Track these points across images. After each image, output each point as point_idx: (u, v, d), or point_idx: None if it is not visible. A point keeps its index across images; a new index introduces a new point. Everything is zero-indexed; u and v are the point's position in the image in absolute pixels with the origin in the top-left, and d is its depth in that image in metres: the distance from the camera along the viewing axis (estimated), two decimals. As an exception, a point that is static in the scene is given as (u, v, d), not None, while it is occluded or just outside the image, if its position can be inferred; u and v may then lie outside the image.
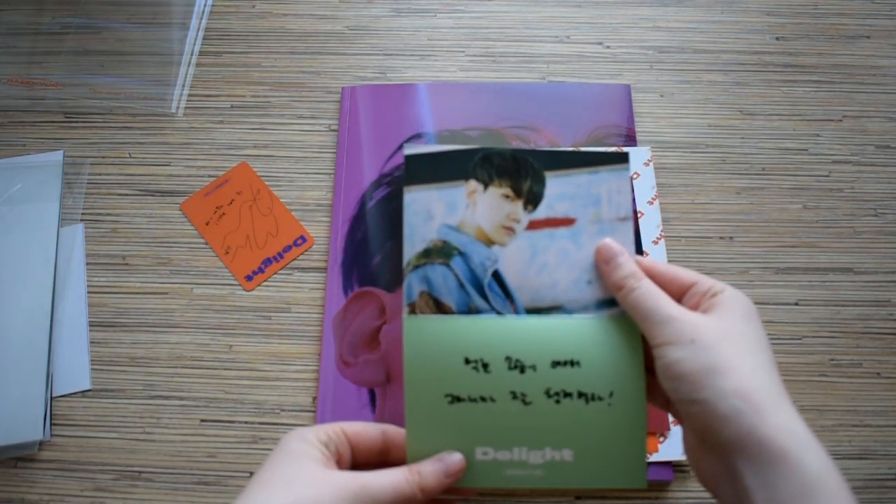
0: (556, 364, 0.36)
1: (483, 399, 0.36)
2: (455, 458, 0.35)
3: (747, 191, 0.60)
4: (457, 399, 0.36)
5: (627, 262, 0.37)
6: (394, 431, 0.37)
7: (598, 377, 0.36)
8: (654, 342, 0.35)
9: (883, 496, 0.50)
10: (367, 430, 0.36)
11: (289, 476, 0.33)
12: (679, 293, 0.37)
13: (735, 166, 0.61)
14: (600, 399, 0.36)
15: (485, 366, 0.36)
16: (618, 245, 0.37)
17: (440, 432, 0.36)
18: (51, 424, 0.52)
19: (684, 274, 0.37)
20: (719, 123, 0.63)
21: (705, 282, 0.36)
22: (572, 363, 0.36)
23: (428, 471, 0.35)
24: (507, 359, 0.36)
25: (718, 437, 0.32)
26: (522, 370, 0.36)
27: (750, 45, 0.67)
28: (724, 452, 0.32)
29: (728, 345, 0.33)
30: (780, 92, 0.64)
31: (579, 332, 0.37)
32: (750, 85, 0.65)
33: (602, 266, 0.37)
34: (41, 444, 0.52)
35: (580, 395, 0.36)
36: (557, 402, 0.36)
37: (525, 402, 0.36)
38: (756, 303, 0.56)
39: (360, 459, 0.36)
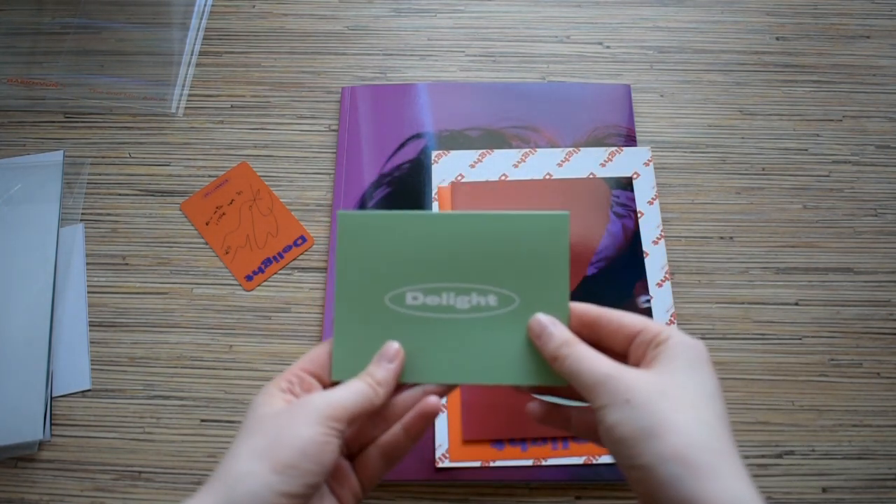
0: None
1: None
2: (390, 346, 0.37)
3: (747, 191, 0.60)
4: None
5: (558, 333, 0.36)
6: None
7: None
8: (594, 405, 0.33)
9: (883, 496, 0.50)
10: (320, 355, 0.37)
11: (262, 434, 0.33)
12: (625, 342, 0.36)
13: (735, 166, 0.61)
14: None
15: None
16: (546, 318, 0.37)
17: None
18: (51, 424, 0.52)
19: (630, 321, 0.36)
20: (719, 123, 0.63)
21: (650, 329, 0.35)
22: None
23: (373, 367, 0.37)
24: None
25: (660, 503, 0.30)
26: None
27: (750, 45, 0.67)
28: None
29: (665, 401, 0.31)
30: (780, 92, 0.64)
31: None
32: (750, 85, 0.65)
33: (535, 342, 0.37)
34: (41, 444, 0.52)
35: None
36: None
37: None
38: (756, 303, 0.56)
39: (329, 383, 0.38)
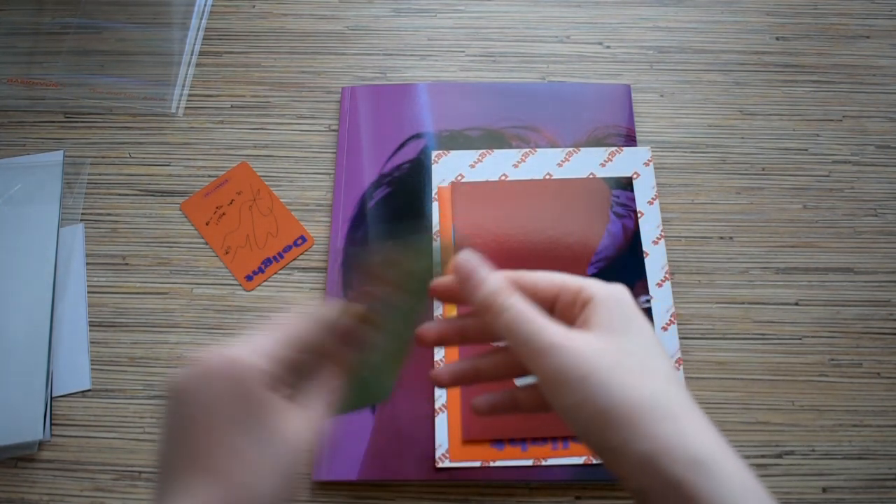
0: None
1: None
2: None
3: (747, 191, 0.60)
4: None
5: (491, 277, 0.32)
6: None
7: None
8: (541, 377, 0.30)
9: (883, 496, 0.50)
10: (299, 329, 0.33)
11: (254, 452, 0.29)
12: (547, 305, 0.32)
13: (735, 166, 0.61)
14: None
15: None
16: (475, 257, 0.32)
17: None
18: (51, 424, 0.52)
19: (546, 283, 0.33)
20: (719, 123, 0.63)
21: (569, 288, 0.32)
22: None
23: None
24: None
25: (628, 483, 0.29)
26: None
27: (750, 45, 0.67)
28: (640, 495, 0.29)
29: (620, 375, 0.29)
30: (780, 92, 0.64)
31: None
32: (750, 85, 0.65)
33: (461, 285, 0.32)
34: (41, 444, 0.52)
35: None
36: None
37: None
38: (756, 303, 0.56)
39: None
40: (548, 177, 0.59)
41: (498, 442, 0.50)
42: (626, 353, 0.30)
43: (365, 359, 0.36)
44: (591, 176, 0.59)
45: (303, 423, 0.31)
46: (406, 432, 0.51)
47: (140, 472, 0.51)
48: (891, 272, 0.57)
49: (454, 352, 0.52)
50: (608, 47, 0.67)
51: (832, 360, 0.54)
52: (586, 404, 0.29)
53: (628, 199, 0.58)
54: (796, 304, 0.56)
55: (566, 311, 0.32)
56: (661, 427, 0.29)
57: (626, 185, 0.58)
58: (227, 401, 0.29)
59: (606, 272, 0.55)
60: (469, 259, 0.32)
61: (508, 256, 0.55)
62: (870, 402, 0.53)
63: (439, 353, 0.53)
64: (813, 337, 0.55)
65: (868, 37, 0.67)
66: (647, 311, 0.54)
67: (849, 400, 0.53)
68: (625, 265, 0.55)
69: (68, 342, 0.55)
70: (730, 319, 0.56)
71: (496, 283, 0.31)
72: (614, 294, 0.32)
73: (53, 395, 0.53)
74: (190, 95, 0.65)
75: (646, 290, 0.54)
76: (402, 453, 0.50)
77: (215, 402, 0.29)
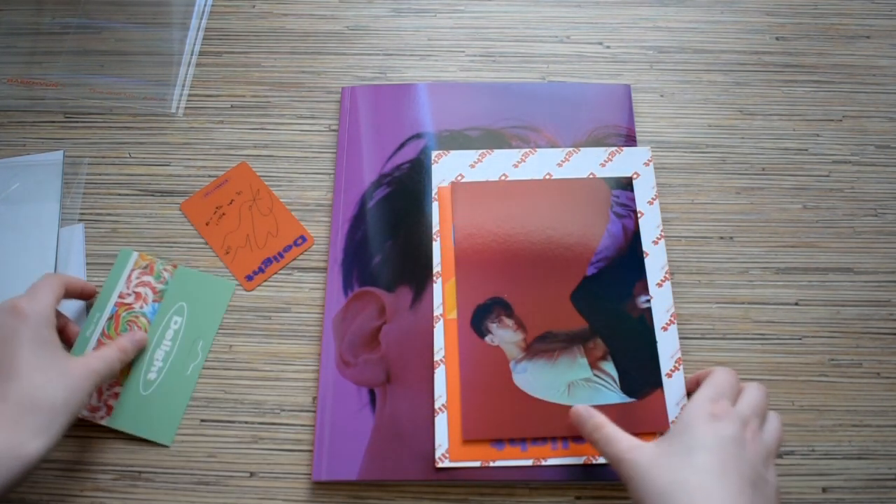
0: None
1: None
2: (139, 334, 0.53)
3: (747, 191, 0.60)
4: None
5: (591, 419, 0.46)
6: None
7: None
8: (616, 471, 0.43)
9: (883, 496, 0.50)
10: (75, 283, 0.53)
11: (46, 366, 0.45)
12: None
13: (735, 166, 0.61)
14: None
15: None
16: (584, 408, 0.46)
17: None
18: (51, 424, 0.52)
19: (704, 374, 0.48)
20: (719, 123, 0.63)
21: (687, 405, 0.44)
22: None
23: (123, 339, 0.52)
24: None
25: None
26: None
27: (750, 45, 0.67)
28: None
29: (656, 471, 0.40)
30: (780, 92, 0.64)
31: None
32: (750, 85, 0.65)
33: (576, 427, 0.47)
34: (41, 444, 0.52)
35: None
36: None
37: None
38: (756, 303, 0.56)
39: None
40: (548, 177, 0.59)
41: (498, 442, 0.50)
42: (666, 454, 0.41)
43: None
44: (591, 176, 0.59)
45: (81, 367, 0.47)
46: (406, 432, 0.51)
47: (140, 472, 0.51)
48: (891, 272, 0.57)
49: (453, 352, 0.53)
50: (608, 47, 0.67)
51: (832, 360, 0.54)
52: (633, 494, 0.41)
53: (628, 199, 0.58)
54: (796, 304, 0.56)
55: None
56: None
57: (626, 185, 0.58)
58: (26, 332, 0.45)
59: (606, 272, 0.55)
60: (579, 410, 0.47)
61: (508, 256, 0.55)
62: (870, 402, 0.53)
63: (439, 354, 0.53)
64: (813, 337, 0.55)
65: (868, 37, 0.67)
66: (647, 311, 0.54)
67: (849, 400, 0.53)
68: (625, 265, 0.55)
69: (68, 342, 0.55)
70: (730, 319, 0.56)
71: (593, 421, 0.46)
72: (694, 411, 0.42)
73: (53, 395, 0.53)
74: (190, 95, 0.65)
75: (646, 290, 0.54)
76: (402, 453, 0.50)
77: (18, 332, 0.45)
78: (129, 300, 0.55)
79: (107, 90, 0.65)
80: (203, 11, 0.68)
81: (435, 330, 0.54)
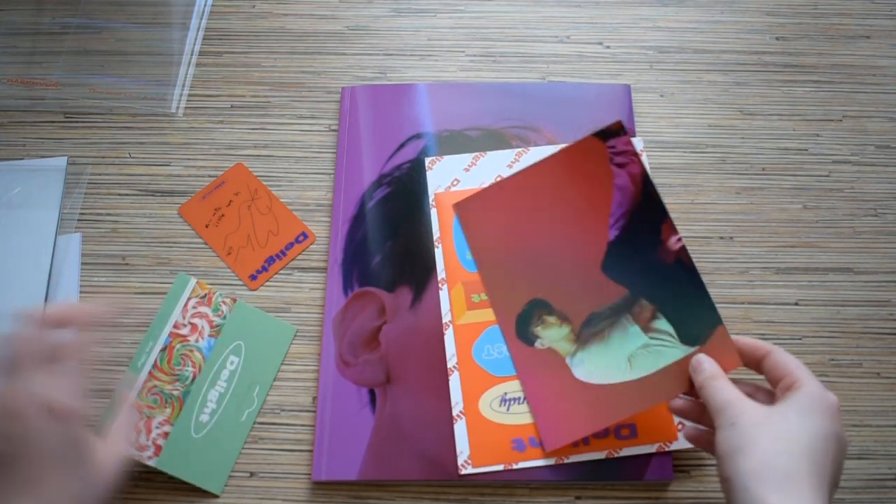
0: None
1: None
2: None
3: (747, 191, 0.60)
4: None
5: (708, 367, 0.44)
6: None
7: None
8: (714, 425, 0.41)
9: (883, 496, 0.50)
10: None
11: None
12: (774, 382, 0.43)
13: (735, 166, 0.61)
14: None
15: None
16: (705, 357, 0.45)
17: None
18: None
19: (783, 364, 0.43)
20: (719, 123, 0.63)
21: (792, 375, 0.41)
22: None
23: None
24: None
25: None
26: None
27: (750, 45, 0.67)
28: None
29: (760, 429, 0.38)
30: (780, 92, 0.64)
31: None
32: (750, 85, 0.65)
33: (691, 372, 0.45)
34: (41, 444, 0.52)
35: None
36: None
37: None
38: (756, 303, 0.56)
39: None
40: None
41: (519, 444, 0.50)
42: (780, 421, 0.39)
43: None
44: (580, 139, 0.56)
45: (108, 455, 0.41)
46: (406, 432, 0.51)
47: (141, 472, 0.51)
48: (891, 272, 0.57)
49: (464, 345, 0.52)
50: (608, 47, 0.67)
51: (832, 360, 0.54)
52: (724, 441, 0.39)
53: (623, 144, 0.54)
54: (796, 304, 0.56)
55: (781, 389, 0.42)
56: (771, 472, 0.37)
57: (617, 131, 0.54)
58: (55, 441, 0.37)
59: (628, 228, 0.52)
60: (700, 358, 0.45)
61: (530, 255, 0.55)
62: (870, 402, 0.53)
63: (452, 361, 0.53)
64: (813, 337, 0.55)
65: (868, 37, 0.67)
66: (682, 251, 0.50)
67: (849, 400, 0.53)
68: (643, 211, 0.52)
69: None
70: (730, 319, 0.56)
71: (710, 370, 0.44)
72: (817, 393, 0.40)
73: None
74: (190, 95, 0.65)
75: (673, 230, 0.50)
76: (402, 453, 0.50)
77: (45, 441, 0.37)
78: (184, 331, 0.52)
79: (107, 90, 0.65)
80: (203, 11, 0.68)
81: (445, 337, 0.53)
